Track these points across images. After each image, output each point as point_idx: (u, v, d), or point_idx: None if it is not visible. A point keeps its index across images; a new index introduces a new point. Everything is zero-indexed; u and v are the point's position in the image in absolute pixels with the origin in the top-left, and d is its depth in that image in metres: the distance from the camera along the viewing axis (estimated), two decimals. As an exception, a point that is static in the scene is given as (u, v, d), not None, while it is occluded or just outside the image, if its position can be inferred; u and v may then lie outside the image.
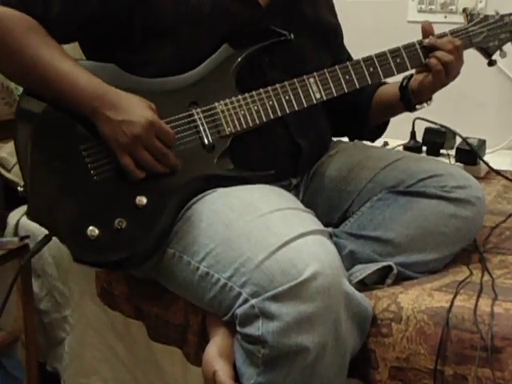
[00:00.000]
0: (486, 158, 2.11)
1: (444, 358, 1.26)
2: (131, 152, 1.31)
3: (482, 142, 2.19)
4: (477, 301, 1.30)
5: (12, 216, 1.87)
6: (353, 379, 1.32)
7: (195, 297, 1.36)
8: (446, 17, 2.57)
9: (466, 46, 1.56)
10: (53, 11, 1.37)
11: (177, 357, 1.53)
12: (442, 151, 2.28)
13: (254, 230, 1.25)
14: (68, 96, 1.32)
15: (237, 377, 1.26)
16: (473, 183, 1.51)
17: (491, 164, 2.01)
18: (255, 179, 1.41)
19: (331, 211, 1.56)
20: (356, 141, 1.82)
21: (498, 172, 2.00)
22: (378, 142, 1.91)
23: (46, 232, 1.36)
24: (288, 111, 1.44)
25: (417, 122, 2.27)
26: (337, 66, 1.48)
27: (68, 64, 1.34)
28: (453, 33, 1.55)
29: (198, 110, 1.40)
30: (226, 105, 1.41)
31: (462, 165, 2.13)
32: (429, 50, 1.52)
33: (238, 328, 1.24)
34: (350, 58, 1.71)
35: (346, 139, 1.80)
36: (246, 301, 1.21)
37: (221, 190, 1.37)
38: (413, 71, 1.56)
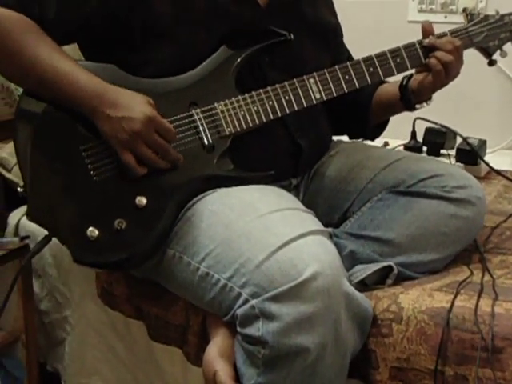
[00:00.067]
0: (486, 158, 2.11)
1: (444, 359, 1.26)
2: (132, 148, 1.31)
3: (483, 142, 2.18)
4: (477, 301, 1.30)
5: (12, 216, 1.87)
6: (353, 379, 1.32)
7: (195, 297, 1.36)
8: (446, 17, 2.57)
9: (466, 45, 1.56)
10: (50, 12, 1.36)
11: (177, 357, 1.53)
12: (442, 151, 2.28)
13: (254, 231, 1.25)
14: (67, 95, 1.32)
15: (237, 377, 1.26)
16: (473, 183, 1.51)
17: (492, 164, 2.01)
18: (255, 179, 1.41)
19: (331, 211, 1.56)
20: (356, 141, 1.82)
21: (498, 172, 2.00)
22: (379, 142, 1.91)
23: (46, 232, 1.36)
24: (288, 111, 1.44)
25: (417, 122, 2.27)
26: (337, 66, 1.48)
27: (67, 64, 1.34)
28: (453, 32, 1.55)
29: (198, 110, 1.40)
30: (225, 105, 1.41)
31: (462, 165, 2.13)
32: (429, 49, 1.52)
33: (239, 328, 1.24)
34: (350, 57, 1.71)
35: (346, 139, 1.80)
36: (246, 301, 1.21)
37: (221, 191, 1.37)
38: (413, 71, 1.56)
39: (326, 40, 1.62)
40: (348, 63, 1.49)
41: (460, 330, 1.26)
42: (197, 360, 1.45)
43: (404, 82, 1.57)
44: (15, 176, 1.85)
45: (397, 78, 1.59)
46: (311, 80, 1.46)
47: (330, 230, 1.43)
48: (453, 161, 2.17)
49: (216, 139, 1.40)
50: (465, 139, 2.09)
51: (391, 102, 1.63)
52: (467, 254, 1.52)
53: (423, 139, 2.33)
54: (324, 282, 1.18)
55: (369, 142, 1.85)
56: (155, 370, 1.62)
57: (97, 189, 1.33)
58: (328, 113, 1.64)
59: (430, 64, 1.50)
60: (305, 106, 1.45)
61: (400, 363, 1.29)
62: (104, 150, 1.33)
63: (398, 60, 1.52)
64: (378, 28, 2.61)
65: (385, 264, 1.40)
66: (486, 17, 1.59)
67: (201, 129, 1.39)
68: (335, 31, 1.69)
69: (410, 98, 1.57)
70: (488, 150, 2.27)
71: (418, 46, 1.52)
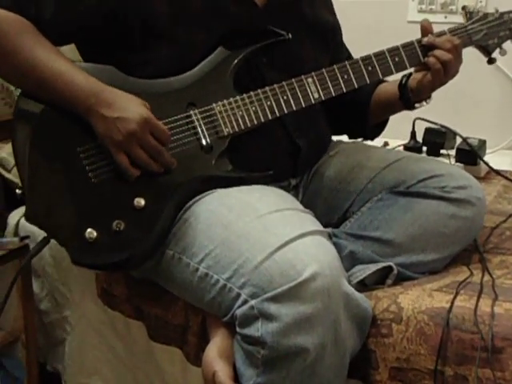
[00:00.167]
0: (486, 158, 2.11)
1: (444, 359, 1.26)
2: (126, 149, 1.31)
3: (483, 142, 2.19)
4: (477, 301, 1.30)
5: (12, 216, 1.87)
6: (353, 380, 1.32)
7: (195, 298, 1.36)
8: (446, 17, 2.57)
9: (466, 44, 1.56)
10: (46, 12, 1.36)
11: (177, 357, 1.53)
12: (442, 151, 2.28)
13: (253, 231, 1.25)
14: (64, 95, 1.32)
15: (236, 377, 1.26)
16: (473, 183, 1.51)
17: (491, 164, 2.01)
18: (254, 180, 1.41)
19: (331, 211, 1.56)
20: (356, 141, 1.82)
21: (498, 172, 2.00)
22: (378, 142, 1.91)
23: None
24: (286, 111, 1.44)
25: (417, 122, 2.27)
26: (335, 66, 1.48)
27: (63, 64, 1.34)
28: (452, 31, 1.55)
29: (196, 111, 1.40)
30: (223, 105, 1.41)
31: (462, 165, 2.12)
32: (427, 48, 1.51)
33: (238, 329, 1.24)
34: (350, 57, 1.70)
35: (346, 139, 1.79)
36: (245, 302, 1.21)
37: (219, 191, 1.37)
38: (412, 69, 1.56)
39: (325, 40, 1.62)
40: (346, 62, 1.49)
41: (460, 330, 1.26)
42: (196, 360, 1.45)
43: (403, 81, 1.57)
44: (15, 176, 1.85)
45: (396, 77, 1.59)
46: (309, 80, 1.46)
47: (329, 230, 1.43)
48: (452, 161, 2.17)
49: (214, 140, 1.40)
50: (464, 139, 2.09)
51: (390, 101, 1.63)
52: (467, 254, 1.52)
53: (423, 139, 2.33)
54: (323, 283, 1.18)
55: (369, 142, 1.85)
56: (155, 370, 1.62)
57: (95, 190, 1.33)
58: (327, 113, 1.64)
59: (428, 63, 1.50)
60: (303, 105, 1.45)
61: (400, 363, 1.29)
62: (101, 151, 1.33)
63: (397, 59, 1.51)
64: (378, 28, 2.60)
65: (384, 264, 1.40)
66: (486, 15, 1.59)
67: (199, 129, 1.39)
68: (334, 31, 1.69)
69: (409, 97, 1.57)
70: (488, 150, 2.27)
71: (416, 44, 1.52)
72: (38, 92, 1.35)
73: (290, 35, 1.46)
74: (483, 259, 1.49)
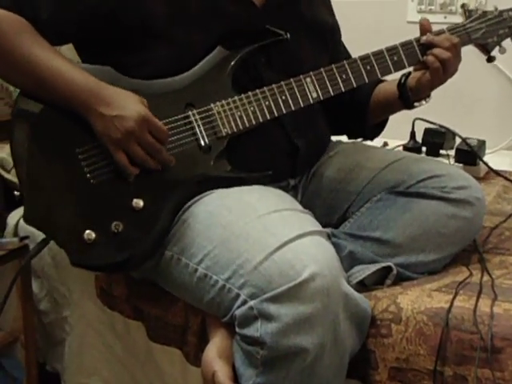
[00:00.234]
0: (485, 158, 2.11)
1: (444, 359, 1.26)
2: (124, 148, 1.31)
3: (482, 143, 2.19)
4: (476, 301, 1.30)
5: (12, 216, 1.87)
6: (352, 380, 1.32)
7: (194, 298, 1.36)
8: (445, 17, 2.57)
9: (465, 42, 1.55)
10: (44, 12, 1.36)
11: (176, 357, 1.53)
12: (441, 152, 2.28)
13: (252, 232, 1.25)
14: (63, 94, 1.32)
15: (236, 378, 1.26)
16: (472, 184, 1.51)
17: (491, 164, 2.01)
18: (252, 180, 1.41)
19: (330, 212, 1.56)
20: (356, 141, 1.82)
21: (497, 172, 2.00)
22: (378, 143, 1.91)
23: (45, 234, 1.36)
24: (284, 111, 1.44)
25: (416, 122, 2.27)
26: (333, 65, 1.48)
27: (62, 62, 1.34)
28: (451, 29, 1.54)
29: (194, 111, 1.40)
30: (222, 106, 1.41)
31: (461, 165, 2.12)
32: (426, 47, 1.51)
33: (237, 329, 1.24)
34: (349, 57, 1.68)
35: (345, 139, 1.79)
36: (244, 302, 1.21)
37: (218, 192, 1.37)
38: (411, 68, 1.56)
39: (324, 40, 1.62)
40: (345, 62, 1.49)
41: (459, 330, 1.26)
42: (196, 360, 1.45)
43: (402, 80, 1.57)
44: (14, 177, 1.85)
45: (395, 77, 1.58)
46: (308, 79, 1.46)
47: (328, 230, 1.43)
48: (452, 161, 2.16)
49: (212, 140, 1.40)
50: (464, 140, 2.09)
51: (389, 100, 1.63)
52: (466, 254, 1.52)
53: (422, 139, 2.33)
54: (322, 283, 1.18)
55: (368, 143, 1.85)
56: (154, 371, 1.62)
57: (93, 192, 1.33)
58: (326, 113, 1.64)
59: (427, 61, 1.50)
60: (302, 105, 1.45)
61: (399, 363, 1.29)
62: (100, 152, 1.33)
63: (396, 58, 1.51)
64: (378, 28, 2.61)
65: (384, 264, 1.41)
66: (485, 13, 1.58)
67: (197, 130, 1.39)
68: (333, 31, 1.68)
69: (408, 96, 1.56)
70: (487, 151, 2.27)
71: (415, 43, 1.52)
72: (36, 91, 1.35)
73: (289, 35, 1.46)
74: (482, 259, 1.49)
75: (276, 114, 1.43)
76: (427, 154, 2.28)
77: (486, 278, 1.40)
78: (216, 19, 1.44)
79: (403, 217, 1.45)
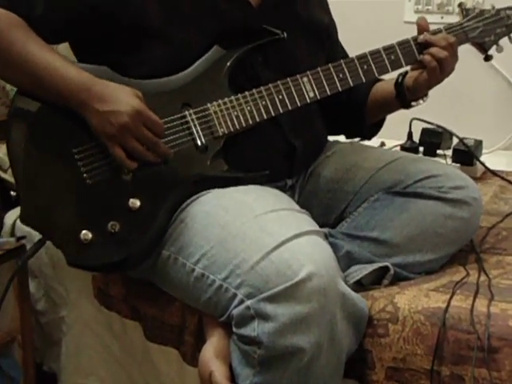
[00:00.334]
0: (482, 158, 2.11)
1: (441, 359, 1.26)
2: (121, 142, 1.31)
3: (479, 143, 2.19)
4: (473, 301, 1.30)
5: (8, 216, 1.87)
6: (349, 380, 1.32)
7: (191, 298, 1.36)
8: (442, 17, 2.56)
9: (462, 41, 1.55)
10: (38, 9, 1.36)
11: (173, 357, 1.53)
12: (438, 152, 2.28)
13: (249, 231, 1.25)
14: (57, 90, 1.32)
15: (233, 377, 1.26)
16: (469, 184, 1.51)
17: (488, 164, 2.01)
18: (249, 180, 1.41)
19: (328, 212, 1.56)
20: (353, 141, 1.82)
21: (494, 172, 2.00)
22: (375, 143, 1.91)
23: (42, 234, 1.36)
24: (281, 111, 1.44)
25: (414, 122, 2.27)
26: (330, 65, 1.48)
27: (56, 59, 1.34)
28: (448, 28, 1.54)
29: (191, 111, 1.39)
30: (218, 105, 1.40)
31: (458, 165, 2.13)
32: (423, 46, 1.51)
33: (234, 329, 1.24)
34: (346, 56, 1.69)
35: (342, 139, 1.79)
36: (241, 302, 1.21)
37: (215, 191, 1.37)
38: (408, 68, 1.56)
39: (320, 39, 1.62)
40: (342, 61, 1.49)
41: (456, 330, 1.26)
42: (193, 360, 1.45)
43: (399, 80, 1.57)
44: (11, 176, 1.85)
45: (392, 76, 1.58)
46: (305, 79, 1.46)
47: (326, 230, 1.43)
48: (449, 161, 2.17)
49: (209, 140, 1.40)
50: (461, 140, 2.09)
51: (387, 99, 1.63)
52: (463, 254, 1.52)
53: (419, 140, 2.33)
54: (319, 282, 1.18)
55: (365, 143, 1.85)
56: (151, 371, 1.62)
57: (90, 192, 1.33)
58: (323, 112, 1.64)
59: (424, 61, 1.50)
60: (298, 105, 1.45)
61: (396, 363, 1.29)
62: (97, 152, 1.33)
63: (393, 57, 1.51)
64: (375, 28, 2.60)
65: (381, 264, 1.41)
66: (482, 12, 1.58)
67: (194, 130, 1.39)
68: (329, 31, 1.69)
69: (405, 96, 1.57)
70: (484, 151, 2.27)
71: (412, 42, 1.52)
72: (31, 88, 1.35)
73: (285, 34, 1.46)
74: (479, 259, 1.49)
75: (273, 114, 1.43)
76: (424, 153, 2.28)
77: (482, 277, 1.41)
78: (212, 19, 1.44)
79: (400, 217, 1.45)
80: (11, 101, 1.40)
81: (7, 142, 1.37)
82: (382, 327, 1.30)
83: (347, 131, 1.80)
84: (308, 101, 1.46)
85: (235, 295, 1.23)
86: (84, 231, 1.30)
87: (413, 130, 2.33)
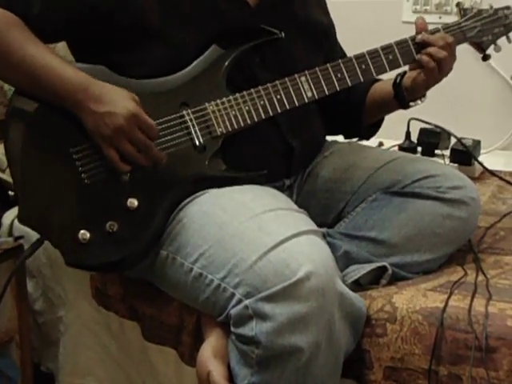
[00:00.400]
0: (480, 158, 2.11)
1: (438, 358, 1.26)
2: (115, 144, 1.31)
3: (477, 143, 2.19)
4: (471, 301, 1.30)
5: (6, 216, 1.87)
6: (347, 379, 1.32)
7: (189, 298, 1.36)
8: (440, 17, 2.56)
9: (460, 40, 1.55)
10: (35, 8, 1.36)
11: (171, 357, 1.53)
12: (436, 152, 2.28)
13: (247, 231, 1.25)
14: (54, 89, 1.32)
15: (231, 377, 1.26)
16: (467, 184, 1.51)
17: (486, 164, 2.01)
18: (248, 180, 1.40)
19: (326, 212, 1.56)
20: (351, 141, 1.82)
21: (492, 172, 2.00)
22: (373, 143, 1.90)
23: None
24: (279, 110, 1.44)
25: (412, 122, 2.27)
26: (328, 65, 1.48)
27: (53, 58, 1.34)
28: (446, 28, 1.54)
29: (189, 110, 1.39)
30: (216, 105, 1.40)
31: (456, 165, 2.13)
32: (421, 46, 1.51)
33: (232, 328, 1.24)
34: (344, 56, 1.69)
35: (341, 139, 1.79)
36: (239, 301, 1.21)
37: (213, 191, 1.36)
38: (406, 68, 1.56)
39: (318, 39, 1.62)
40: (340, 61, 1.49)
41: (454, 329, 1.26)
42: (191, 360, 1.45)
43: (397, 80, 1.57)
44: (9, 176, 1.85)
45: (391, 76, 1.58)
46: (303, 78, 1.46)
47: (324, 230, 1.43)
48: (447, 161, 2.17)
49: (207, 140, 1.40)
50: (459, 140, 2.09)
51: (385, 100, 1.63)
52: (461, 254, 1.52)
53: (418, 140, 2.33)
54: (317, 282, 1.18)
55: (364, 143, 1.85)
56: (149, 371, 1.62)
57: (88, 191, 1.33)
58: (322, 112, 1.64)
59: (422, 60, 1.50)
60: (296, 104, 1.45)
61: (394, 363, 1.29)
62: (94, 152, 1.33)
63: (391, 57, 1.51)
64: (373, 28, 2.60)
65: (379, 264, 1.41)
66: (480, 11, 1.58)
67: (192, 129, 1.39)
68: (327, 31, 1.68)
69: (403, 96, 1.56)
70: (482, 151, 2.27)
71: (410, 42, 1.52)
72: (29, 87, 1.35)
73: (283, 34, 1.46)
74: (477, 259, 1.49)
75: (271, 114, 1.43)
76: (422, 153, 2.28)
77: (480, 277, 1.41)
78: (210, 18, 1.44)
79: (398, 217, 1.45)
80: (9, 100, 1.40)
81: (5, 142, 1.37)
82: (380, 327, 1.30)
83: (345, 131, 1.80)
84: (306, 100, 1.46)
85: (233, 295, 1.22)
86: (82, 231, 1.30)
87: (411, 129, 2.33)
